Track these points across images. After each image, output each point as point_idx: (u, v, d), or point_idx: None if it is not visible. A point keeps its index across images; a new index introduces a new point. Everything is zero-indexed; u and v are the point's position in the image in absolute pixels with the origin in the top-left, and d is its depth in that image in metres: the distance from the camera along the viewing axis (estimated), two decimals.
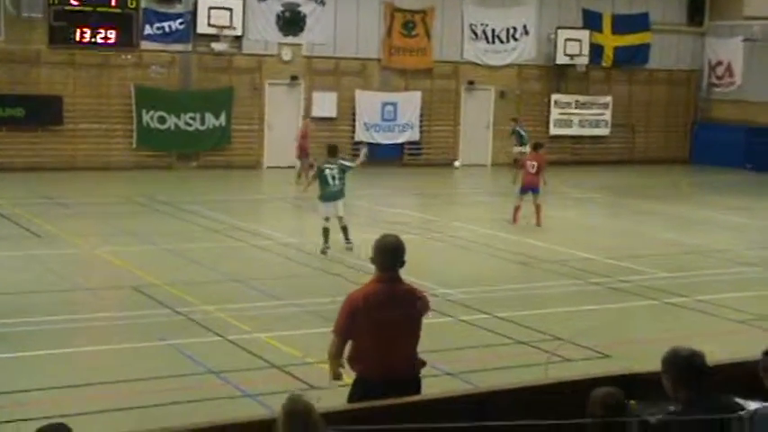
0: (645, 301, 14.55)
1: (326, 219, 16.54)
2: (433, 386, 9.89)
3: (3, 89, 27.51)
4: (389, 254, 6.73)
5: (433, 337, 12.35)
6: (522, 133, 29.93)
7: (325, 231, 16.51)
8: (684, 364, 5.60)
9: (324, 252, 16.43)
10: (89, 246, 17.04)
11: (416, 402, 6.41)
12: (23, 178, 25.83)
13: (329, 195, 16.48)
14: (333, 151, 16.98)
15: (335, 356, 6.79)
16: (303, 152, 27.06)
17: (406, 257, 6.86)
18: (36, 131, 27.77)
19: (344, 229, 16.66)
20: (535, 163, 21.33)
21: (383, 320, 6.64)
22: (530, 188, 21.07)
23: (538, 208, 20.85)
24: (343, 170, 16.59)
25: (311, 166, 16.56)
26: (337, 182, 16.43)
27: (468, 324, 12.80)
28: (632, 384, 6.31)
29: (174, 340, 11.49)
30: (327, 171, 16.47)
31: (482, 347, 11.87)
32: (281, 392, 8.12)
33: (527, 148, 29.67)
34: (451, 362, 10.94)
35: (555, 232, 20.56)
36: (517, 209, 21.07)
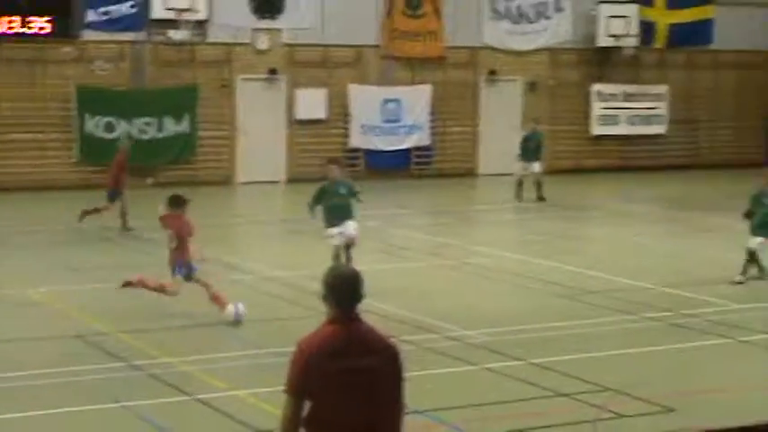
0: (715, 339, 14.48)
1: None
2: None
3: None
4: (346, 288, 6.61)
5: (452, 389, 12.32)
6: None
7: None
8: None
9: None
10: (20, 287, 17.04)
11: None
12: None
13: None
14: None
15: (292, 423, 6.59)
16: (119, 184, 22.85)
17: (371, 289, 6.61)
18: None
19: None
20: None
21: (346, 370, 6.51)
22: None
23: None
24: None
25: None
26: None
27: (496, 373, 12.73)
28: None
29: (130, 402, 11.52)
30: None
31: (515, 402, 11.76)
32: None
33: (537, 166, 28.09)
34: (477, 420, 10.87)
35: (599, 256, 20.50)
36: None
